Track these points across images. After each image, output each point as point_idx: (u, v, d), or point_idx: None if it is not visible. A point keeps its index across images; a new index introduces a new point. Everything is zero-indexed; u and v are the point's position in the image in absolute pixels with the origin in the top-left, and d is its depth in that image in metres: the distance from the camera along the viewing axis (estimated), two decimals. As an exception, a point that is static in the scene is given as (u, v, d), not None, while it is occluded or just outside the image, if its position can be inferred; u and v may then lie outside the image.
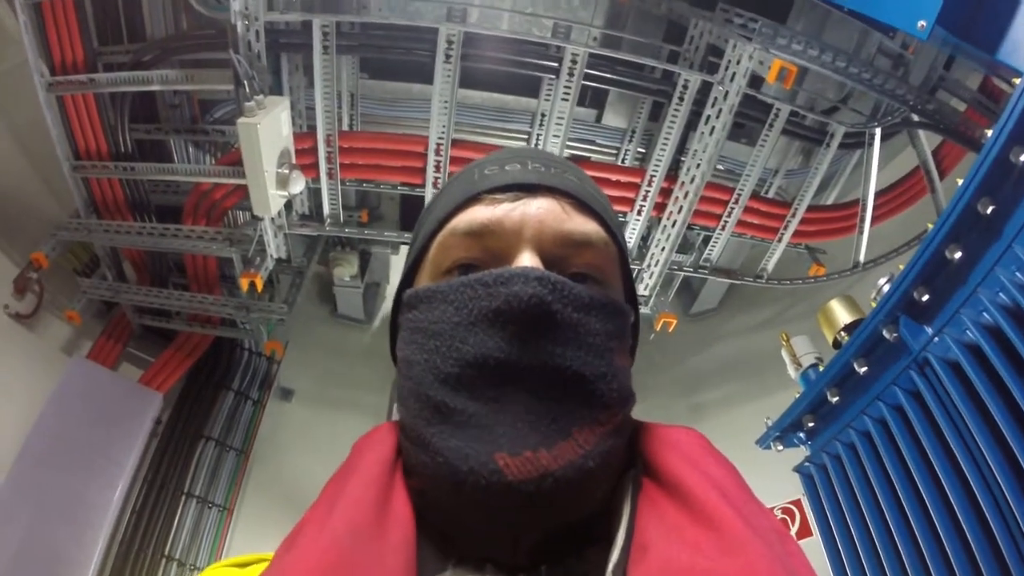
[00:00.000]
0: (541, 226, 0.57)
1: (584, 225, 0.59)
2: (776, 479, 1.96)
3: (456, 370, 0.52)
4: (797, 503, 2.92)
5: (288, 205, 2.93)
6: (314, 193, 2.99)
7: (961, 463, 1.19)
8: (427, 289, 0.57)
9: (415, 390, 0.54)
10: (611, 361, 0.54)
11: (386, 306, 4.50)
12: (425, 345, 0.55)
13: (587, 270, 0.58)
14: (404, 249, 4.05)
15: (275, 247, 2.91)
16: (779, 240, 3.22)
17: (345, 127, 2.95)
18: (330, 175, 2.83)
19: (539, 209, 0.58)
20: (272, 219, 2.78)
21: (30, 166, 3.02)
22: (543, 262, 0.55)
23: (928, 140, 2.77)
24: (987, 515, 1.13)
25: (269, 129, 2.28)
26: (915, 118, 2.58)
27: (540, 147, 2.87)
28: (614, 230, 0.62)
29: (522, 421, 0.49)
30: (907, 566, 1.29)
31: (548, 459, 0.48)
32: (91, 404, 2.98)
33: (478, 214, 0.58)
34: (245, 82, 2.22)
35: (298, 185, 2.49)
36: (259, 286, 2.93)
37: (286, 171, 2.43)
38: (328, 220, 3.03)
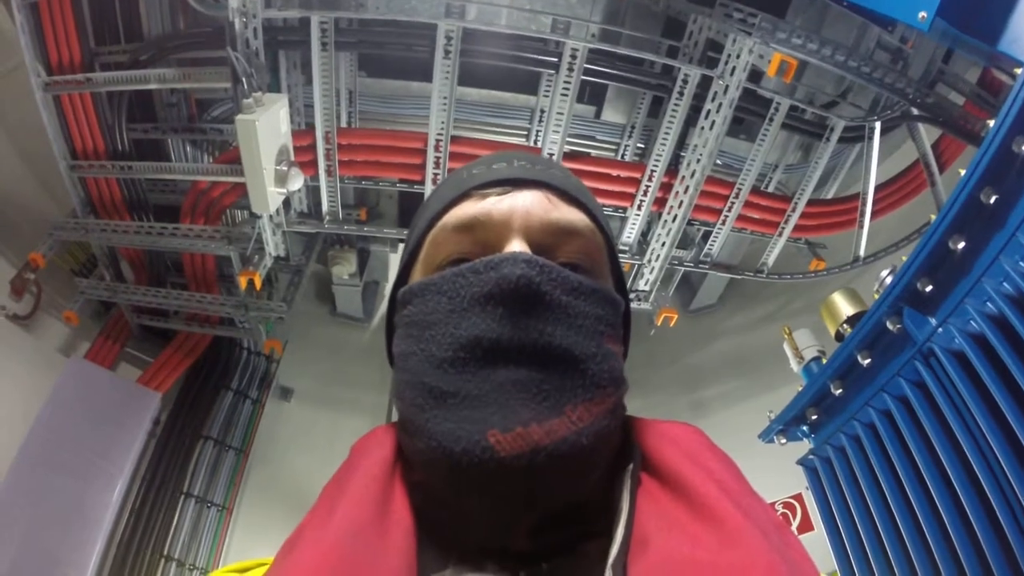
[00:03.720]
0: (528, 215, 0.59)
1: (570, 214, 0.61)
2: (776, 474, 1.95)
3: (450, 354, 0.52)
4: (798, 497, 2.92)
5: (286, 203, 2.92)
6: (312, 191, 2.98)
7: (967, 454, 1.18)
8: (420, 283, 0.58)
9: (411, 380, 0.55)
10: (601, 343, 0.55)
11: (385, 304, 4.46)
12: (420, 336, 0.55)
13: (576, 259, 0.59)
14: (403, 247, 4.05)
15: (273, 245, 2.90)
16: (779, 235, 3.21)
17: (344, 124, 2.94)
18: (329, 172, 2.82)
19: (526, 200, 0.60)
20: (271, 217, 2.77)
21: (27, 166, 3.01)
22: (532, 250, 0.56)
23: (928, 133, 2.77)
24: (994, 506, 1.12)
25: (267, 126, 2.27)
26: (914, 112, 2.58)
27: (539, 143, 2.88)
28: (600, 220, 0.64)
29: (513, 399, 0.50)
30: (912, 558, 1.29)
31: (540, 434, 0.48)
32: (89, 405, 2.96)
33: (467, 209, 0.60)
34: (243, 79, 2.21)
35: (297, 182, 2.48)
36: (258, 284, 2.92)
37: (285, 168, 2.42)
38: (327, 217, 3.02)
